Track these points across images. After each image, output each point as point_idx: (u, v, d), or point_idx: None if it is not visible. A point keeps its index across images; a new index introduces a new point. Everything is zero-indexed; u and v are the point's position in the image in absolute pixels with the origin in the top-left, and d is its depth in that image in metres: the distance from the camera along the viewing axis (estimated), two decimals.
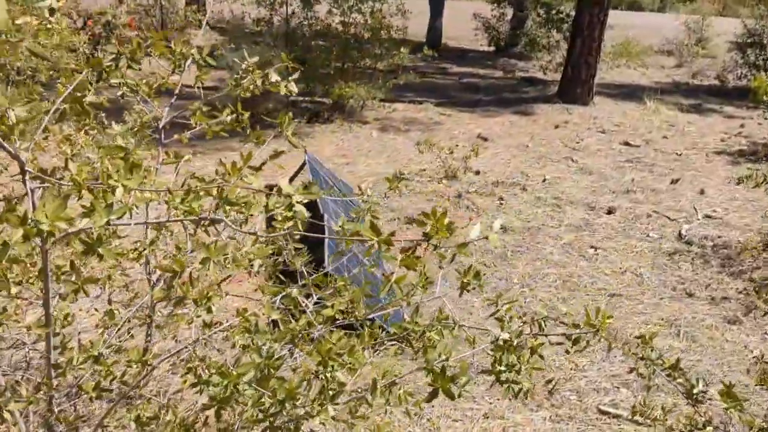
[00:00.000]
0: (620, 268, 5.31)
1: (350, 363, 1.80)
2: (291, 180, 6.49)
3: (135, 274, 3.02)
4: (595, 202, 6.84)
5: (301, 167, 5.96)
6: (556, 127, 10.29)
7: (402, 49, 9.89)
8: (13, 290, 1.65)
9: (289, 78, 2.37)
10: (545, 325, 1.81)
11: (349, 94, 9.40)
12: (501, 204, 6.69)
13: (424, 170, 7.64)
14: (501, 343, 1.80)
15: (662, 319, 4.51)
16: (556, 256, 5.48)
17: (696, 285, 5.06)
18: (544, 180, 7.55)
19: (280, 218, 1.66)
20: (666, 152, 9.04)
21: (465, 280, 1.96)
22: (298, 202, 1.47)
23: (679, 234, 6.06)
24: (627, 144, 9.40)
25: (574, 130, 10.09)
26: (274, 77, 2.20)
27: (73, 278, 1.45)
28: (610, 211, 6.59)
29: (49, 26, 1.80)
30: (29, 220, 1.16)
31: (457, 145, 8.37)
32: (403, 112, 10.64)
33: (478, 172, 7.69)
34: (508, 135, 9.68)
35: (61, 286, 1.72)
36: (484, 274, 4.99)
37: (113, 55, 1.66)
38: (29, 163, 1.41)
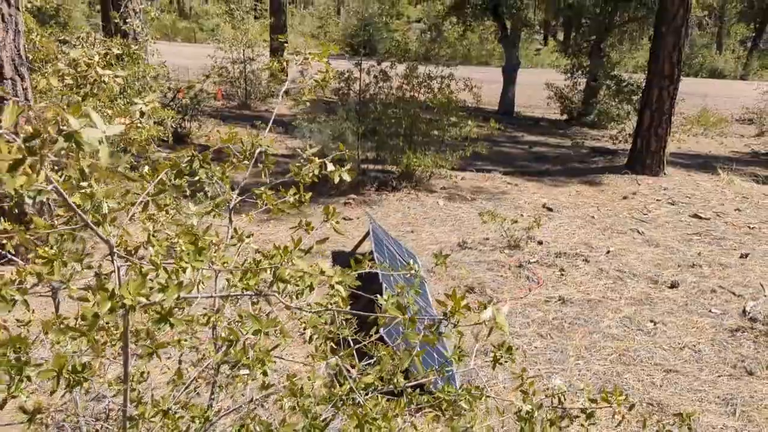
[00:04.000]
0: (679, 344, 5.28)
1: (385, 427, 2.00)
2: (355, 248, 6.80)
3: (204, 335, 3.32)
4: (659, 276, 6.81)
5: (366, 236, 6.25)
6: (624, 198, 10.28)
7: (470, 122, 10.23)
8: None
9: (344, 165, 2.61)
10: (564, 399, 1.96)
11: (417, 164, 9.75)
12: (562, 275, 6.76)
13: (487, 239, 7.80)
14: (524, 414, 1.96)
15: (718, 398, 4.47)
16: (614, 330, 5.50)
17: (757, 363, 4.97)
18: (608, 252, 7.57)
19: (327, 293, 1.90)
20: (737, 225, 8.89)
21: (497, 354, 2.14)
22: (338, 283, 1.71)
23: (744, 310, 5.96)
24: (697, 216, 9.30)
25: (642, 202, 10.06)
26: (330, 167, 2.47)
27: (148, 342, 1.72)
28: (673, 285, 6.55)
29: (139, 126, 2.15)
30: (116, 296, 1.44)
31: (521, 215, 8.51)
32: (470, 181, 10.88)
33: (541, 243, 7.79)
34: (575, 205, 9.74)
35: (138, 348, 1.99)
36: (534, 348, 5.09)
37: (188, 157, 1.98)
38: (116, 246, 1.71)
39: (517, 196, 10.19)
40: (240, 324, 2.19)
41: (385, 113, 10.29)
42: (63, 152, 0.99)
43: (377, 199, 9.52)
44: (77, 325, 1.55)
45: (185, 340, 2.39)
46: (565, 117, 19.07)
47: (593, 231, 8.46)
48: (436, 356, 4.12)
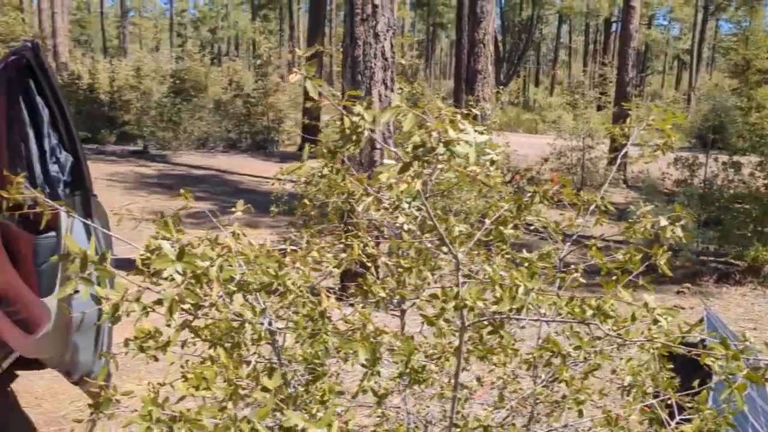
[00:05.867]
0: None
1: None
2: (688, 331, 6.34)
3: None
4: None
5: (699, 321, 5.84)
6: None
7: None
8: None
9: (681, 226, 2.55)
10: None
11: (766, 258, 8.79)
12: None
13: None
14: None
15: None
16: None
17: None
18: None
19: None
20: None
21: None
22: (661, 315, 1.76)
23: None
24: None
25: None
26: (663, 221, 2.49)
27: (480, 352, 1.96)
28: None
29: (487, 175, 2.46)
30: (459, 297, 1.71)
31: None
32: None
33: None
34: None
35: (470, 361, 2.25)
36: None
37: (530, 193, 2.22)
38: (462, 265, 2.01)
39: None
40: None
41: (733, 202, 9.53)
42: (440, 157, 1.28)
43: (716, 291, 8.76)
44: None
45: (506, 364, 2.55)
46: None
47: None
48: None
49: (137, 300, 1.31)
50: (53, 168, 2.89)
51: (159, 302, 1.32)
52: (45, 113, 2.85)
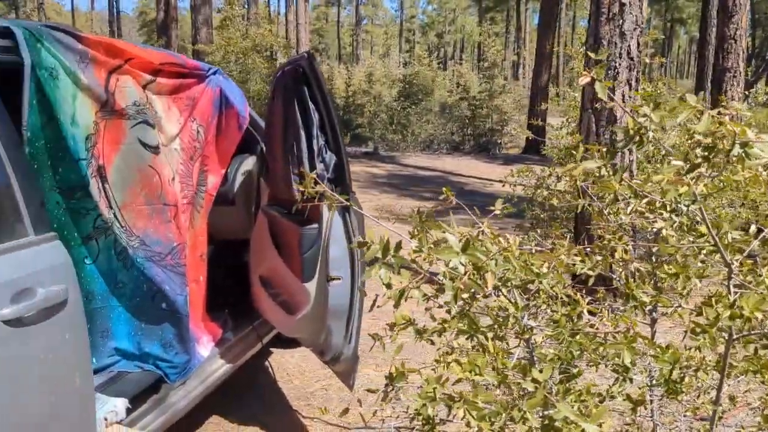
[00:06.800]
0: None
1: None
2: None
3: None
4: None
5: None
6: None
7: None
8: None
9: None
10: None
11: None
12: None
13: None
14: None
15: None
16: None
17: None
18: None
19: None
20: None
21: None
22: None
23: None
24: None
25: None
26: None
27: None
28: None
29: None
30: (735, 306, 1.61)
31: None
32: None
33: None
34: None
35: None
36: None
37: None
38: (734, 272, 1.90)
39: None
40: None
41: None
42: (733, 159, 1.23)
43: None
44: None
45: None
46: None
47: None
48: None
49: (418, 287, 1.43)
50: (319, 166, 3.19)
51: (437, 290, 1.43)
52: (315, 117, 3.16)
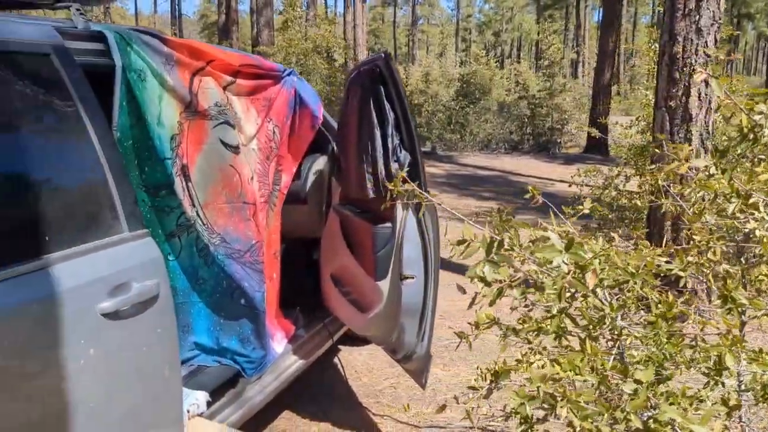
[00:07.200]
0: None
1: None
2: None
3: None
4: None
5: None
6: None
7: None
8: None
9: None
10: None
11: None
12: None
13: None
14: None
15: None
16: None
17: None
18: None
19: None
20: None
21: None
22: None
23: None
24: None
25: None
26: None
27: None
28: None
29: None
30: None
31: None
32: None
33: None
34: None
35: None
36: None
37: None
38: None
39: None
40: None
41: None
42: None
43: None
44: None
45: None
46: None
47: None
48: None
49: (516, 286, 1.42)
50: (394, 165, 3.20)
51: (537, 288, 1.42)
52: (390, 116, 3.17)
